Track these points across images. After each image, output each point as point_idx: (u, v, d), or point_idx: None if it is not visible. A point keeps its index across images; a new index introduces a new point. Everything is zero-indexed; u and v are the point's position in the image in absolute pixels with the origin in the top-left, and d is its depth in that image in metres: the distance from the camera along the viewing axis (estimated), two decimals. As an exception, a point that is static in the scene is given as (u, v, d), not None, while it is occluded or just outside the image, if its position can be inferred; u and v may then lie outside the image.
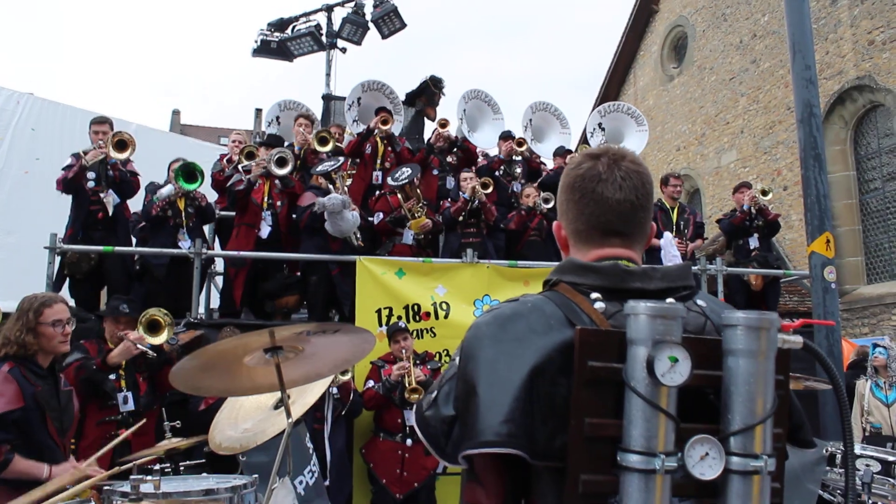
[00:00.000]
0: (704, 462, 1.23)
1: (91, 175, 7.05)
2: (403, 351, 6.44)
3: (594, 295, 1.42)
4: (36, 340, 3.75)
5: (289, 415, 2.45)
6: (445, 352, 6.98)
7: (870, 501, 4.17)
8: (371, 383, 6.46)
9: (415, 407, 1.57)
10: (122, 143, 7.01)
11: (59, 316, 3.84)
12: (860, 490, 4.14)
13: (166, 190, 7.30)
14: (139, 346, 5.47)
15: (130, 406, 5.39)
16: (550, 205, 8.36)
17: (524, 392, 1.29)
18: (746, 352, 1.27)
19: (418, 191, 7.79)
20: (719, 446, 1.25)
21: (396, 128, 9.25)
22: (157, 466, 3.35)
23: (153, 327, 5.82)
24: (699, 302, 1.49)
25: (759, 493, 1.26)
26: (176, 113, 35.52)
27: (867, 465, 4.12)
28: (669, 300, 1.39)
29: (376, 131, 8.47)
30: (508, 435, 1.27)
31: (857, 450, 4.35)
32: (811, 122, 6.67)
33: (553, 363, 1.32)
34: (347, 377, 6.22)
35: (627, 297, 1.35)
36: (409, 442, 6.31)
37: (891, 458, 4.10)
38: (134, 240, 7.61)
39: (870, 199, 14.93)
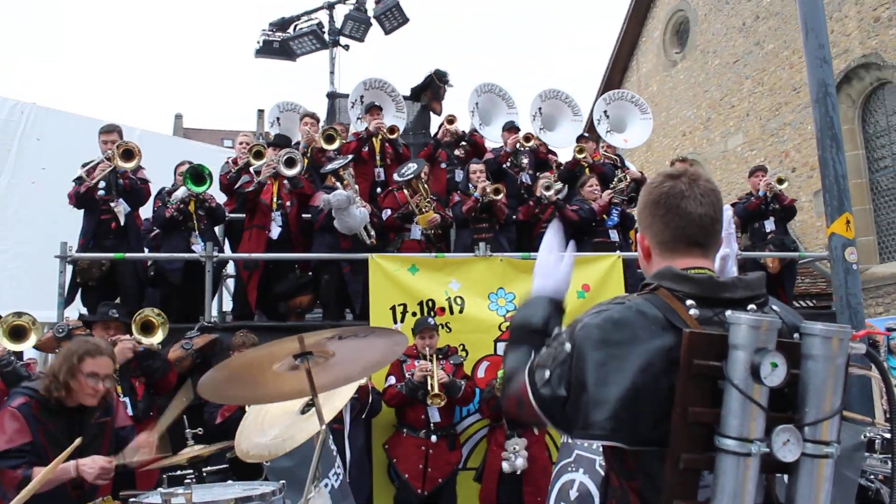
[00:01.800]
0: (786, 447, 1.50)
1: (102, 185, 7.04)
2: (427, 349, 6.37)
3: (689, 302, 1.65)
4: (72, 384, 3.70)
5: (322, 421, 2.38)
6: (462, 346, 6.92)
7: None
8: (392, 380, 6.40)
9: (527, 378, 1.78)
10: (128, 153, 7.00)
11: (98, 370, 3.77)
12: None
13: (180, 192, 7.28)
14: (134, 345, 5.43)
15: (129, 412, 5.32)
16: (552, 192, 8.22)
17: (629, 392, 1.55)
18: (822, 357, 1.53)
19: (425, 185, 7.73)
20: (798, 434, 1.51)
21: (401, 123, 9.18)
22: (188, 479, 3.29)
23: (146, 328, 5.78)
24: (774, 307, 1.72)
25: (825, 473, 1.53)
26: (178, 117, 35.51)
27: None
28: (751, 306, 1.65)
29: (375, 132, 8.40)
30: (612, 430, 1.56)
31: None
32: (827, 102, 6.56)
33: (655, 366, 1.56)
34: (363, 380, 6.16)
35: (717, 305, 1.64)
36: (433, 438, 6.26)
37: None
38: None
39: (880, 178, 14.83)
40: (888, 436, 4.27)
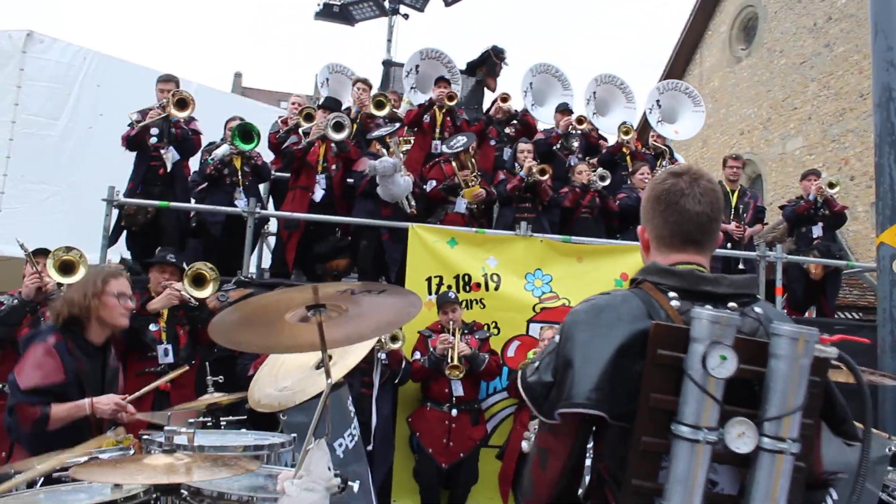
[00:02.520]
0: (741, 439, 1.57)
1: (154, 131, 7.18)
2: (451, 323, 6.39)
3: (671, 294, 1.75)
4: (98, 308, 3.73)
5: (328, 375, 2.39)
6: (494, 323, 6.91)
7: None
8: (417, 355, 6.44)
9: (519, 373, 2.00)
10: (182, 102, 7.13)
11: (124, 289, 3.83)
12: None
13: (221, 150, 7.37)
14: (183, 294, 5.49)
15: (170, 359, 5.40)
16: (606, 182, 8.19)
17: (610, 367, 1.65)
18: (786, 357, 1.59)
19: (473, 160, 7.69)
20: (754, 428, 1.58)
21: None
22: (193, 420, 3.34)
23: (198, 281, 5.85)
24: (756, 309, 1.79)
25: (783, 468, 1.58)
26: (238, 75, 35.89)
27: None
28: (732, 304, 1.74)
29: (438, 103, 8.36)
30: (596, 400, 1.64)
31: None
32: (889, 107, 6.37)
33: (633, 347, 1.66)
34: (398, 345, 6.20)
35: (699, 298, 1.74)
36: (455, 412, 6.28)
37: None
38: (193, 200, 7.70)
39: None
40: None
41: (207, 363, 4.75)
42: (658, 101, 9.72)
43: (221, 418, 4.18)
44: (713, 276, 1.80)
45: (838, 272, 8.72)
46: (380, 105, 8.15)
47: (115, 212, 7.05)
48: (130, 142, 7.17)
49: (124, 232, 7.31)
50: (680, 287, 1.76)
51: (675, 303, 1.73)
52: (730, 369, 1.55)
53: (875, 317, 6.63)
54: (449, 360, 6.18)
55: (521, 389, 1.86)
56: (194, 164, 8.01)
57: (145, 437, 3.18)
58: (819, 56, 16.97)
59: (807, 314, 8.72)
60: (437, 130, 8.43)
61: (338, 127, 7.41)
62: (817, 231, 8.58)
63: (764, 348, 1.63)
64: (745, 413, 1.59)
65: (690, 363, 1.58)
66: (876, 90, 6.55)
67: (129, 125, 7.24)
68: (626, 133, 8.94)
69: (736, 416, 1.58)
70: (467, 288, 7.02)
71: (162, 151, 7.20)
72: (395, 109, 8.48)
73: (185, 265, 5.88)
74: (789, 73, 17.90)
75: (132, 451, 3.19)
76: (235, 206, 7.27)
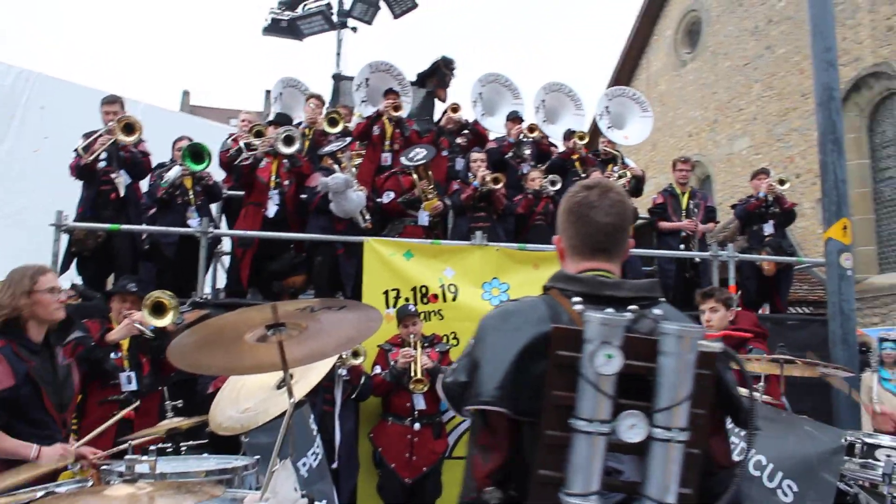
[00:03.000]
0: (632, 430, 1.68)
1: (102, 156, 7.05)
2: (411, 336, 6.37)
3: (576, 299, 1.87)
4: (31, 306, 3.67)
5: (291, 395, 2.36)
6: (453, 334, 6.89)
7: (889, 492, 4.07)
8: (378, 369, 6.40)
9: (440, 377, 2.08)
10: (129, 127, 7.03)
11: (54, 284, 3.78)
12: (880, 481, 4.07)
13: (172, 173, 7.27)
14: (139, 326, 5.40)
15: (133, 386, 5.30)
16: (558, 187, 8.26)
17: (514, 367, 1.79)
18: (673, 353, 1.71)
19: (430, 172, 7.70)
20: (644, 419, 1.69)
21: (404, 108, 9.13)
22: (154, 447, 3.27)
23: (158, 309, 5.75)
24: (656, 310, 1.87)
25: (673, 455, 1.69)
26: (186, 94, 35.43)
27: (888, 456, 4.02)
28: (632, 307, 1.84)
29: (386, 115, 8.36)
30: (499, 398, 1.78)
31: (876, 440, 4.26)
32: (830, 106, 6.54)
33: (536, 348, 1.78)
34: (359, 361, 6.17)
35: (602, 302, 1.85)
36: (417, 426, 6.25)
37: (914, 449, 4.00)
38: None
39: (884, 188, 14.77)
40: (870, 441, 4.26)
41: (165, 388, 4.67)
42: (607, 107, 9.83)
43: (182, 443, 4.11)
44: (615, 281, 1.95)
45: (790, 268, 8.89)
46: (333, 122, 8.10)
47: (65, 237, 6.91)
48: (80, 171, 7.04)
49: (75, 259, 7.17)
50: (583, 292, 1.89)
51: (578, 307, 1.85)
52: (615, 366, 1.67)
53: (825, 311, 6.77)
54: (412, 374, 6.15)
55: (439, 390, 2.04)
56: (144, 186, 7.88)
57: (104, 467, 3.12)
58: (761, 58, 17.35)
59: (760, 311, 8.87)
60: (387, 142, 8.42)
61: (288, 140, 7.35)
62: (768, 229, 8.73)
63: (655, 346, 1.74)
64: (640, 406, 1.71)
65: (583, 362, 1.70)
66: (817, 89, 6.71)
67: (74, 152, 7.09)
68: (582, 139, 9.02)
69: (628, 410, 1.70)
70: (425, 300, 7.01)
71: (113, 176, 7.08)
72: (346, 125, 8.43)
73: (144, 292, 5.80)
74: (733, 75, 18.26)
75: (90, 483, 3.11)
76: (188, 226, 7.17)
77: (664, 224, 8.75)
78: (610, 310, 1.78)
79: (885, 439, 4.23)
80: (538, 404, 1.74)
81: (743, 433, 1.98)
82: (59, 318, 3.82)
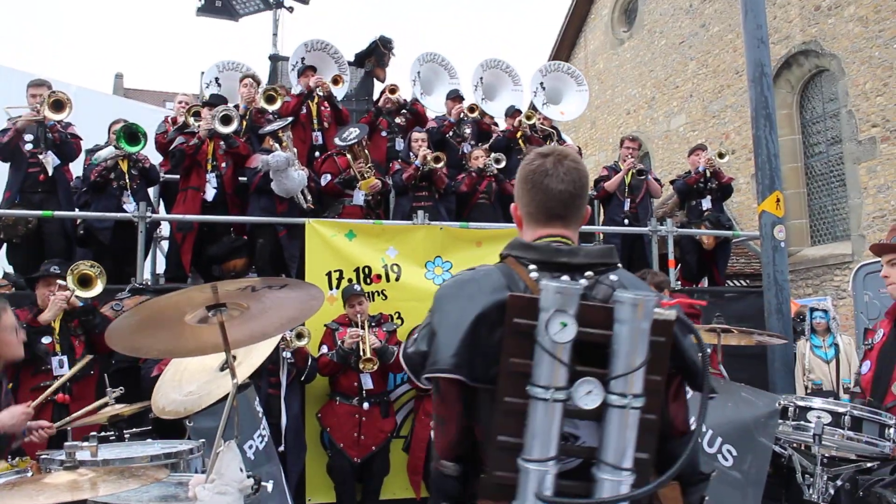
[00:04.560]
0: (588, 396, 1.70)
1: (28, 137, 6.84)
2: (359, 315, 6.35)
3: (531, 267, 1.89)
4: None
5: (234, 376, 2.34)
6: (397, 314, 6.90)
7: (820, 452, 4.22)
8: (325, 349, 6.37)
9: (402, 346, 2.18)
10: (58, 104, 6.81)
11: (13, 321, 3.61)
12: (812, 442, 4.21)
13: (105, 153, 7.09)
14: (70, 296, 5.32)
15: (65, 370, 5.21)
16: (501, 165, 8.30)
17: (469, 335, 1.79)
18: (627, 321, 1.72)
19: (366, 151, 7.66)
20: (600, 386, 1.71)
21: (343, 89, 9.05)
22: (95, 434, 3.22)
23: (84, 282, 5.65)
24: (612, 277, 1.90)
25: (629, 421, 1.72)
26: (119, 76, 34.52)
27: (818, 417, 4.17)
28: (588, 273, 1.88)
29: (316, 89, 8.29)
30: (455, 365, 1.78)
31: (808, 402, 4.41)
32: (762, 82, 6.68)
33: (491, 316, 1.79)
34: (303, 343, 6.14)
35: (557, 269, 1.88)
36: (365, 405, 6.26)
37: (840, 410, 4.13)
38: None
39: (814, 163, 15.15)
40: (802, 404, 4.40)
41: (106, 375, 4.58)
42: (542, 83, 9.85)
43: (125, 430, 4.05)
44: (569, 248, 1.96)
45: (728, 242, 9.09)
46: (270, 99, 7.98)
47: (-6, 223, 6.70)
48: (3, 150, 6.80)
49: (4, 245, 6.97)
50: (539, 260, 1.90)
51: (534, 275, 1.87)
52: (570, 334, 1.69)
53: (761, 283, 6.95)
54: (361, 354, 6.14)
55: (402, 360, 2.03)
56: (77, 169, 7.67)
57: (44, 456, 3.05)
58: (696, 36, 17.60)
59: (699, 284, 9.07)
60: (315, 121, 8.36)
61: (225, 120, 7.22)
62: (706, 204, 8.92)
63: (611, 313, 1.76)
64: (597, 373, 1.73)
65: (539, 330, 1.71)
66: (749, 66, 6.84)
67: None
68: (529, 118, 9.06)
69: (584, 377, 1.72)
70: (368, 280, 6.99)
71: (40, 157, 6.85)
72: (286, 101, 8.31)
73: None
74: (669, 54, 18.50)
75: (30, 473, 3.04)
76: (124, 210, 7.01)
77: (609, 183, 8.81)
78: (565, 277, 1.81)
79: (816, 402, 4.38)
80: (494, 371, 1.77)
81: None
82: (20, 357, 3.67)
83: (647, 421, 1.76)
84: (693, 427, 1.93)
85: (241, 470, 2.22)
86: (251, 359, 2.91)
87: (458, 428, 1.87)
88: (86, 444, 2.61)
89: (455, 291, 1.91)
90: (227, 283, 2.20)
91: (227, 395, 2.45)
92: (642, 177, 8.89)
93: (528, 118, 9.08)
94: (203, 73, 10.42)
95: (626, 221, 8.63)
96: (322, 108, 8.40)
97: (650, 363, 1.74)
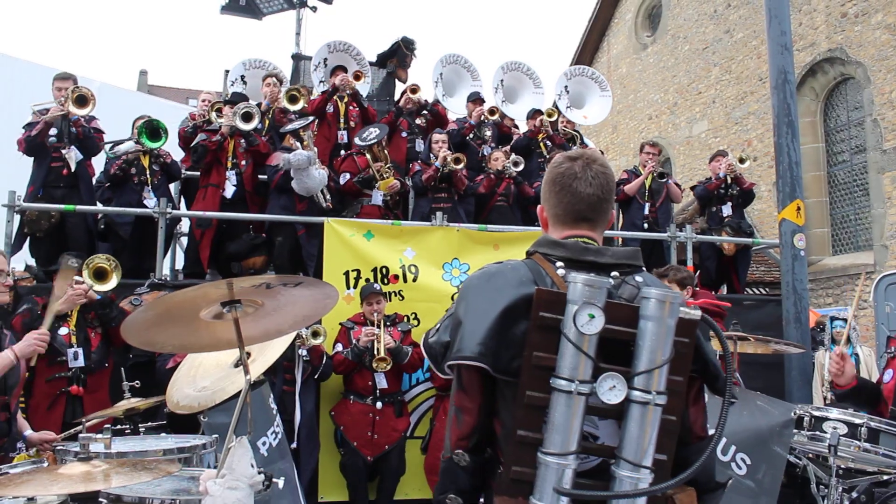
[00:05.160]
0: (612, 391, 1.72)
1: (53, 131, 6.89)
2: (375, 314, 6.37)
3: (559, 263, 1.92)
4: None
5: (247, 372, 2.35)
6: (413, 315, 6.91)
7: (835, 463, 4.18)
8: (340, 347, 6.39)
9: (423, 336, 2.10)
10: (82, 99, 6.84)
11: (2, 266, 3.73)
12: (827, 453, 4.17)
13: (125, 146, 7.14)
14: (86, 289, 5.37)
15: (80, 362, 5.25)
16: (520, 168, 8.29)
17: (496, 325, 1.82)
18: (653, 317, 1.75)
19: (385, 151, 7.68)
20: (623, 381, 1.73)
21: (364, 88, 9.07)
22: (109, 426, 3.24)
23: (100, 275, 5.70)
24: (637, 278, 1.94)
25: (651, 419, 1.74)
26: (143, 73, 34.86)
27: (834, 428, 4.13)
28: (614, 273, 1.92)
29: (342, 88, 8.31)
30: (480, 354, 1.81)
31: (824, 413, 4.37)
32: (785, 89, 6.64)
33: (519, 309, 1.82)
34: (319, 341, 6.16)
35: (584, 267, 1.89)
36: (379, 405, 6.27)
37: (857, 421, 4.09)
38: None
39: (837, 172, 15.02)
40: (817, 414, 4.36)
41: (123, 369, 4.62)
42: (566, 86, 9.86)
43: (140, 424, 4.08)
44: (597, 247, 1.99)
45: (748, 249, 9.03)
46: (293, 99, 8.02)
47: (17, 217, 6.77)
48: (29, 145, 6.85)
49: (28, 238, 7.03)
50: (566, 257, 1.93)
51: (560, 271, 1.90)
52: (597, 326, 1.71)
53: (780, 291, 6.90)
54: (375, 353, 6.15)
55: (423, 350, 2.06)
56: (98, 164, 7.74)
57: (59, 447, 3.09)
58: (720, 42, 17.50)
59: (718, 291, 9.01)
60: (342, 120, 8.38)
61: (246, 117, 7.25)
62: (727, 210, 8.85)
63: (636, 311, 1.78)
64: (620, 371, 1.74)
65: (566, 323, 1.73)
66: (772, 73, 6.81)
67: (24, 127, 6.93)
68: (550, 116, 9.03)
69: (609, 372, 1.73)
70: (385, 280, 7.01)
71: (63, 151, 6.90)
72: (309, 100, 8.36)
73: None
74: (693, 59, 18.41)
75: (46, 464, 3.08)
76: (145, 206, 7.06)
77: (629, 186, 8.79)
78: (592, 275, 1.81)
79: (832, 412, 4.33)
80: (517, 365, 1.79)
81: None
82: (3, 302, 3.80)
83: (667, 422, 1.77)
84: (711, 432, 1.91)
85: (252, 465, 2.23)
86: (265, 356, 2.93)
87: (476, 421, 1.88)
88: (100, 436, 2.64)
89: (483, 283, 1.93)
90: (242, 280, 2.21)
91: (241, 391, 2.46)
92: (663, 179, 8.86)
93: (550, 115, 9.05)
94: (228, 71, 10.50)
95: (646, 225, 8.60)
96: (350, 107, 8.42)
97: (673, 362, 1.76)
